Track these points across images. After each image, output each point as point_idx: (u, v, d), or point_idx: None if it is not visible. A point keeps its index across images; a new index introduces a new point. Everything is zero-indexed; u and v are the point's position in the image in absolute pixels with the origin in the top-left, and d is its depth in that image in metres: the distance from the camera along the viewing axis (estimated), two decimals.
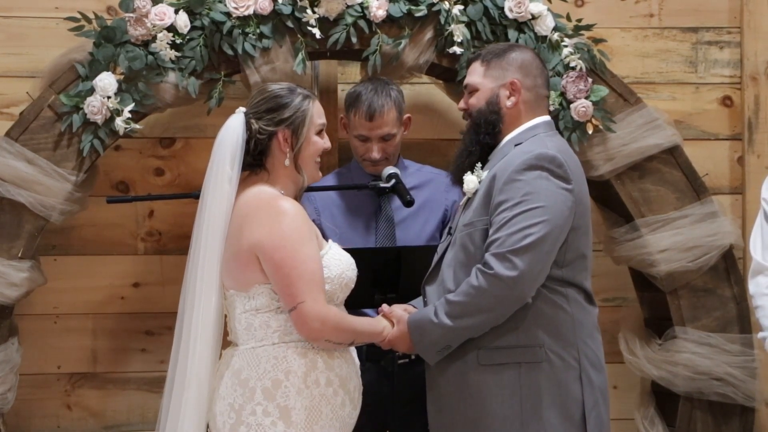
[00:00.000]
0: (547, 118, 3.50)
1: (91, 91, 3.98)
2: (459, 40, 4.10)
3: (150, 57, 3.99)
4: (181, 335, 3.30)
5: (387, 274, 3.71)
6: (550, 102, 3.96)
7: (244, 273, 3.25)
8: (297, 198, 3.34)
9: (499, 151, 3.43)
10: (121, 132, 4.00)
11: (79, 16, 4.04)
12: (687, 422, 4.22)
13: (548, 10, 4.16)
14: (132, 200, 4.25)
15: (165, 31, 3.98)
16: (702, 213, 4.23)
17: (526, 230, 3.23)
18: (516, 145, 3.40)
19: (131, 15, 3.99)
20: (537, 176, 3.28)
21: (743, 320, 4.24)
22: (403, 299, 3.59)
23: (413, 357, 3.63)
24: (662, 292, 4.23)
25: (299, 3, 4.05)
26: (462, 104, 3.54)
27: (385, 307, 3.47)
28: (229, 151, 3.28)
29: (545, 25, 4.15)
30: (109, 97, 3.97)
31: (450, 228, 3.52)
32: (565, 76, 4.13)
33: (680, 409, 4.23)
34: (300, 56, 4.06)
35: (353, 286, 3.36)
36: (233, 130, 3.30)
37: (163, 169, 4.52)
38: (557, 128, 3.74)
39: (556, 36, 4.16)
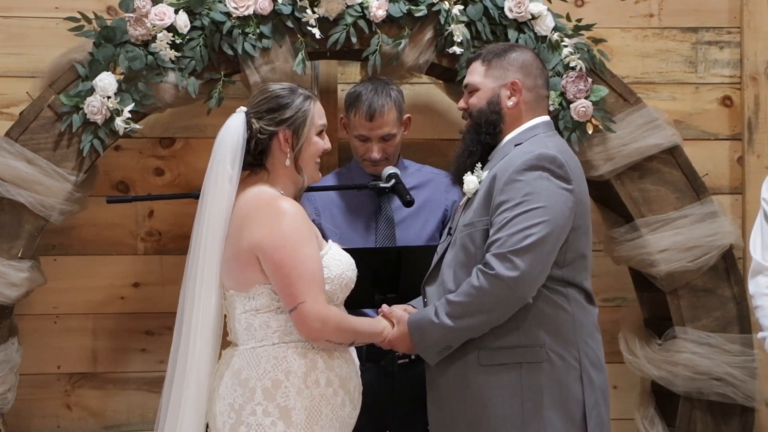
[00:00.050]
0: (546, 118, 3.50)
1: (91, 91, 3.98)
2: (459, 40, 4.10)
3: (150, 57, 3.99)
4: (181, 334, 3.30)
5: (387, 274, 3.71)
6: (550, 102, 3.96)
7: (244, 273, 3.25)
8: (297, 198, 3.34)
9: (499, 151, 3.43)
10: (121, 132, 4.00)
11: (79, 16, 4.04)
12: (687, 422, 4.22)
13: (548, 10, 4.16)
14: (132, 200, 4.25)
15: (165, 31, 3.98)
16: (702, 213, 4.23)
17: (527, 230, 3.23)
18: (516, 146, 3.40)
19: (131, 15, 3.99)
20: (538, 176, 3.28)
21: (743, 320, 4.24)
22: (403, 299, 3.59)
23: (413, 357, 3.63)
24: (662, 292, 4.23)
25: (299, 3, 4.05)
26: (462, 104, 3.54)
27: (385, 307, 3.47)
28: (230, 150, 3.28)
29: (545, 25, 4.15)
30: (109, 97, 3.97)
31: (450, 228, 3.52)
32: (565, 76, 4.13)
33: (680, 409, 4.23)
34: (300, 56, 4.06)
35: (353, 286, 3.36)
36: (234, 130, 3.30)
37: (163, 169, 4.52)
38: (557, 128, 3.75)
39: (556, 36, 4.16)
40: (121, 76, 4.00)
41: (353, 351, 3.39)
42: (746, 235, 4.19)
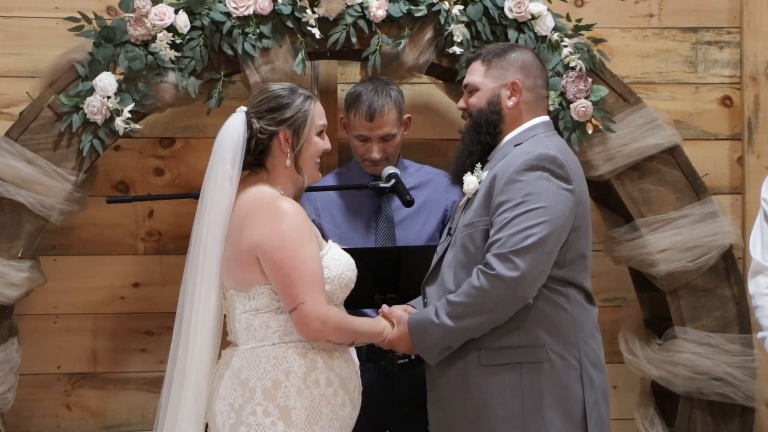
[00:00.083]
0: (546, 118, 3.50)
1: (91, 91, 3.98)
2: (459, 40, 4.10)
3: (150, 57, 3.99)
4: (180, 334, 3.30)
5: (387, 274, 3.71)
6: (550, 102, 3.96)
7: (244, 273, 3.25)
8: (297, 198, 3.34)
9: (499, 151, 3.43)
10: (121, 132, 4.00)
11: (79, 16, 4.04)
12: (687, 422, 4.22)
13: (548, 10, 4.16)
14: (132, 200, 4.25)
15: (165, 31, 3.98)
16: (702, 213, 4.23)
17: (528, 231, 3.23)
18: (516, 146, 3.40)
19: (131, 15, 3.99)
20: (538, 177, 3.28)
21: (743, 320, 4.24)
22: (403, 299, 3.59)
23: (413, 357, 3.63)
24: (662, 292, 4.23)
25: (299, 3, 4.05)
26: (462, 103, 3.54)
27: (385, 307, 3.47)
28: (230, 150, 3.28)
29: (545, 25, 4.15)
30: (109, 97, 3.97)
31: (450, 228, 3.52)
32: (564, 76, 4.13)
33: (680, 409, 4.23)
34: (300, 56, 4.06)
35: (353, 286, 3.36)
36: (234, 129, 3.30)
37: (163, 169, 4.51)
38: (557, 128, 3.74)
39: (555, 36, 4.16)
40: (121, 76, 4.00)
41: (353, 351, 3.39)
42: (746, 235, 4.19)
